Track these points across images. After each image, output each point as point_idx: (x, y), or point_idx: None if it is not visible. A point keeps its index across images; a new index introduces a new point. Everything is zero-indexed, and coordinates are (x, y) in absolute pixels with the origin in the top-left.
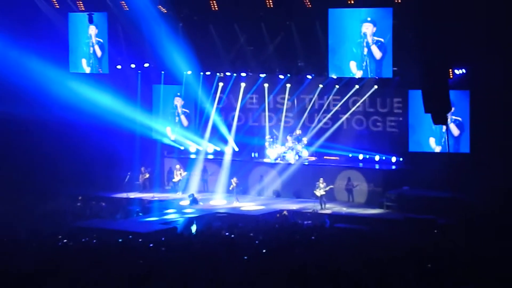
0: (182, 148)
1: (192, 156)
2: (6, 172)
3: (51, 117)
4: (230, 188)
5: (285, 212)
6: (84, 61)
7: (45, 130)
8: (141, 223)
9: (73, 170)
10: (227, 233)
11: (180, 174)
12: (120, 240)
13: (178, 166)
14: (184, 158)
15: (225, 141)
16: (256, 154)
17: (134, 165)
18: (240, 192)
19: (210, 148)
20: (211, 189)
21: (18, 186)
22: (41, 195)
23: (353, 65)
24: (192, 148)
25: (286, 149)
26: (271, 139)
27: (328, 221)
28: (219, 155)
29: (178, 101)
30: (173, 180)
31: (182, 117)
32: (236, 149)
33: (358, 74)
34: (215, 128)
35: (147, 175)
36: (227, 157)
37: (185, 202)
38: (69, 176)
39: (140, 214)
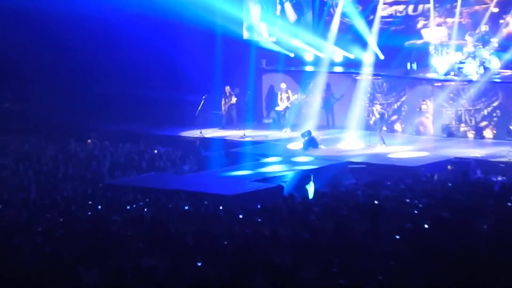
0: (291, 55)
1: (308, 68)
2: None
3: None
4: (371, 123)
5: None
6: None
7: (67, 29)
8: (224, 180)
9: (113, 95)
10: (368, 198)
11: (288, 98)
12: (186, 208)
13: (284, 86)
14: (295, 72)
15: (363, 44)
16: (415, 65)
17: (213, 85)
18: (386, 127)
19: (338, 55)
20: (339, 124)
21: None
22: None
23: None
24: (309, 55)
25: (464, 57)
26: (440, 43)
27: None
28: (353, 66)
29: None
30: (277, 108)
31: (288, 6)
32: (381, 56)
33: None
34: (345, 25)
35: (234, 100)
36: (367, 71)
37: (297, 145)
38: (104, 104)
39: (223, 163)
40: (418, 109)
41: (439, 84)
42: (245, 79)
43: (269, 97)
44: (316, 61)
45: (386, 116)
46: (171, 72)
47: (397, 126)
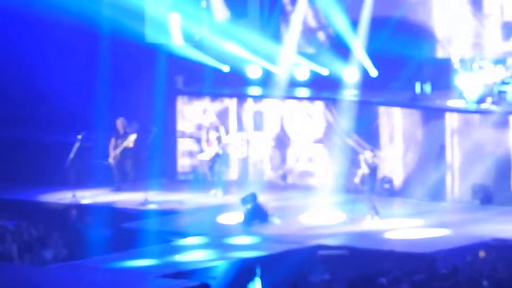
0: (225, 69)
1: (253, 90)
2: None
3: None
4: (357, 181)
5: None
6: None
7: None
8: (111, 276)
9: None
10: None
11: (219, 139)
12: None
13: (212, 120)
14: (231, 97)
15: (343, 54)
16: (428, 88)
17: (96, 117)
18: (386, 191)
19: (302, 70)
20: (303, 183)
21: None
22: None
23: None
24: (253, 70)
25: (509, 74)
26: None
27: None
28: (326, 87)
29: None
30: (200, 156)
31: None
32: (374, 73)
33: None
34: (316, 22)
35: (131, 141)
36: (349, 95)
37: (234, 217)
38: None
39: (111, 247)
40: (434, 159)
41: (468, 118)
42: (149, 108)
43: (188, 138)
44: (266, 79)
45: (380, 170)
46: (27, 97)
47: (400, 186)
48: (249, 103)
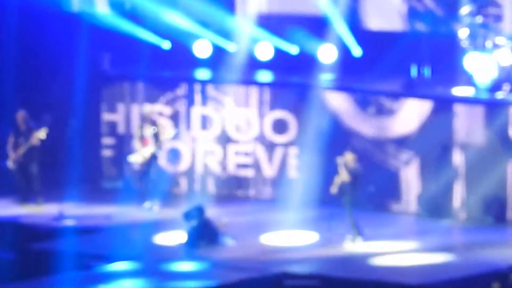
0: (165, 46)
1: (201, 73)
2: None
3: None
4: (333, 191)
5: None
6: None
7: None
8: None
9: None
10: None
11: (156, 137)
12: None
13: (148, 110)
14: (172, 82)
15: (317, 27)
16: (427, 71)
17: None
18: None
19: (264, 48)
20: (266, 195)
21: None
22: None
23: None
24: (201, 47)
25: None
26: (481, 23)
27: None
28: (295, 71)
29: None
30: (132, 158)
31: None
32: (357, 52)
33: None
34: None
35: (39, 138)
36: (325, 80)
37: (175, 236)
38: None
39: (14, 274)
40: (434, 163)
41: (480, 109)
42: (65, 96)
43: (114, 134)
44: (217, 59)
45: (362, 178)
46: None
47: (391, 199)
48: (197, 89)
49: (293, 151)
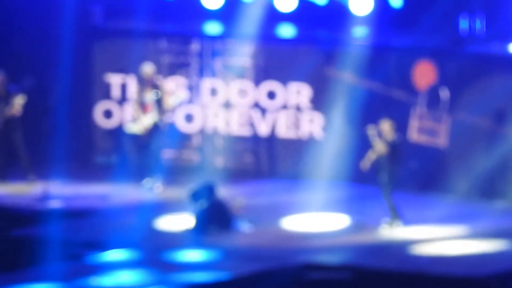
0: None
1: (210, 27)
2: None
3: None
4: (365, 166)
5: None
6: None
7: None
8: None
9: None
10: None
11: (159, 102)
12: None
13: (148, 71)
14: (177, 37)
15: None
16: (480, 24)
17: None
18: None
19: None
20: (290, 168)
21: None
22: None
23: None
24: None
25: None
26: None
27: None
28: (324, 25)
29: None
30: (130, 127)
31: None
32: (397, 3)
33: None
34: None
35: (18, 105)
36: (359, 36)
37: (181, 220)
38: None
39: None
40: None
41: None
42: (51, 55)
43: (109, 99)
44: (230, 11)
45: (402, 152)
46: None
47: (437, 176)
48: (207, 47)
49: (318, 118)
